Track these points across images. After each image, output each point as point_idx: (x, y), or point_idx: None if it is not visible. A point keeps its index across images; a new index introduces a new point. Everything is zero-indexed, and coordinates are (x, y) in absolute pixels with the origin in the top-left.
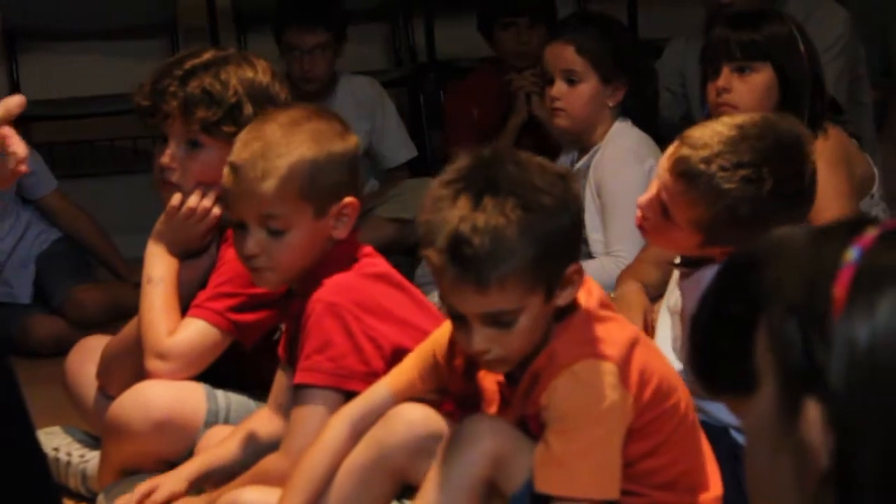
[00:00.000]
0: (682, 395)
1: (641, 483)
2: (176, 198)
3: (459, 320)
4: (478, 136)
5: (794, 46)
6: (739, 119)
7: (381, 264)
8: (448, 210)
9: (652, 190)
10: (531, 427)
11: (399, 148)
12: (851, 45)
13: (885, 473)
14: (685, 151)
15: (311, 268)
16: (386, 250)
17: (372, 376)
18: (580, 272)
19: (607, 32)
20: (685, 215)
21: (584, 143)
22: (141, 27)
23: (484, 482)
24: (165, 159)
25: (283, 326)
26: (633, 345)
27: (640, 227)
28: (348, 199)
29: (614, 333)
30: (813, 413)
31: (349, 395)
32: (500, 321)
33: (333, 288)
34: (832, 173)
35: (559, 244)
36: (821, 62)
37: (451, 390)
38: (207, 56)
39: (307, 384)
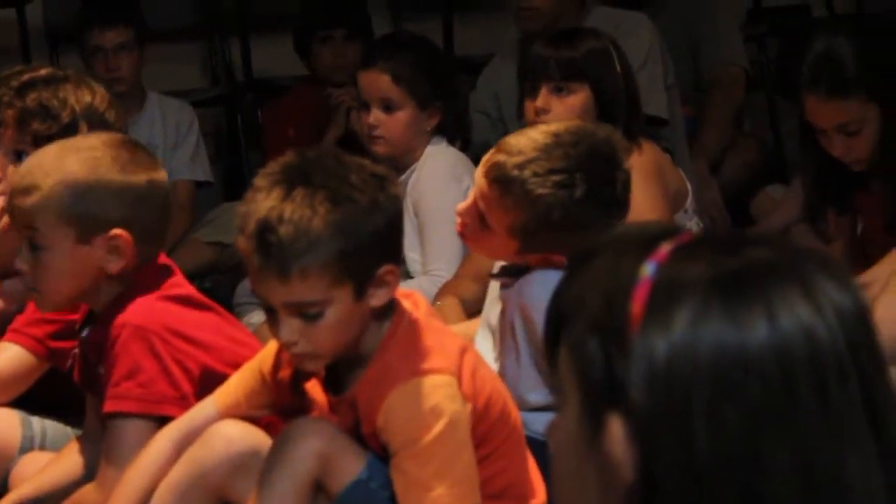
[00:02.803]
0: (510, 404)
1: None
2: None
3: (271, 312)
4: None
5: (611, 63)
6: (555, 127)
7: (184, 285)
8: (262, 200)
9: (470, 197)
10: (370, 445)
11: (194, 166)
12: (660, 54)
13: (683, 485)
14: (500, 157)
15: (80, 294)
16: (204, 274)
17: (182, 400)
18: (395, 273)
19: (423, 57)
20: (500, 221)
21: (400, 164)
22: None
23: (311, 480)
24: None
25: (75, 351)
26: (463, 354)
27: (461, 234)
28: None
29: (446, 343)
30: (616, 428)
31: (163, 420)
32: (305, 313)
33: (138, 311)
34: (646, 187)
35: (368, 242)
36: (634, 77)
37: (280, 405)
38: (46, 72)
39: (118, 412)
